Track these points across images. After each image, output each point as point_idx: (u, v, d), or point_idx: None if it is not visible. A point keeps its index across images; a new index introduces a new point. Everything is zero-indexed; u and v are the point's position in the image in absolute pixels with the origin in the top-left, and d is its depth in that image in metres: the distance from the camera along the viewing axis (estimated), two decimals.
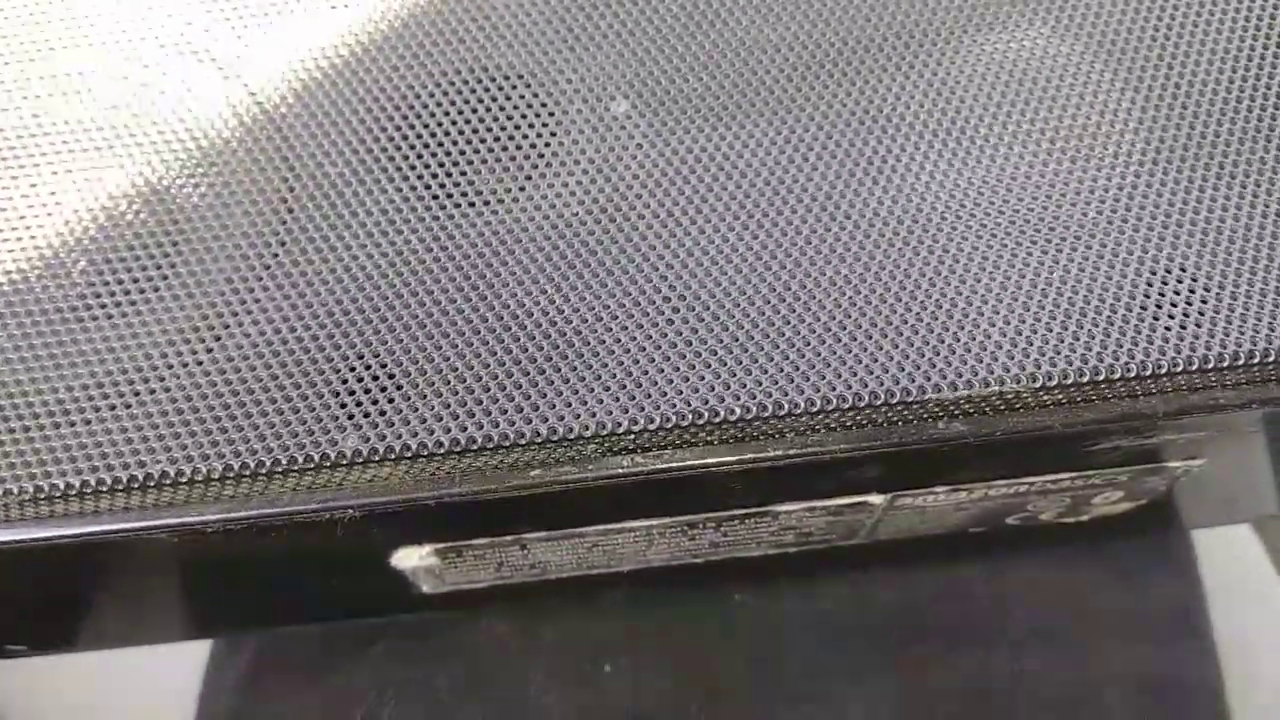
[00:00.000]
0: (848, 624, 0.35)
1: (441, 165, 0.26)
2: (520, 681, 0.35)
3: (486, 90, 0.27)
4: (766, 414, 0.23)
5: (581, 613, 0.36)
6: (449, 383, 0.24)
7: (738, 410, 0.23)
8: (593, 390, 0.24)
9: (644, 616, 0.36)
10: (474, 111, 0.27)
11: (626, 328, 0.24)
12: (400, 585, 0.30)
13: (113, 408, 0.24)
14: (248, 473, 0.23)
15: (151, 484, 0.23)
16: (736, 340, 0.24)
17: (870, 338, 0.24)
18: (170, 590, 0.30)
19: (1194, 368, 0.24)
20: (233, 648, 0.37)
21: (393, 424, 0.23)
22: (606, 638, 0.35)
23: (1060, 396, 0.24)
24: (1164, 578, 0.38)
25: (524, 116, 0.27)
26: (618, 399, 0.23)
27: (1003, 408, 0.24)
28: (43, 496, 0.23)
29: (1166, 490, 0.30)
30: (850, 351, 0.24)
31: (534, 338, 0.24)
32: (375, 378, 0.24)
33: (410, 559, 0.28)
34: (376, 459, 0.23)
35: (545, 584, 0.32)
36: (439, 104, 0.27)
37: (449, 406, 0.23)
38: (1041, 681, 0.35)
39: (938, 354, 0.24)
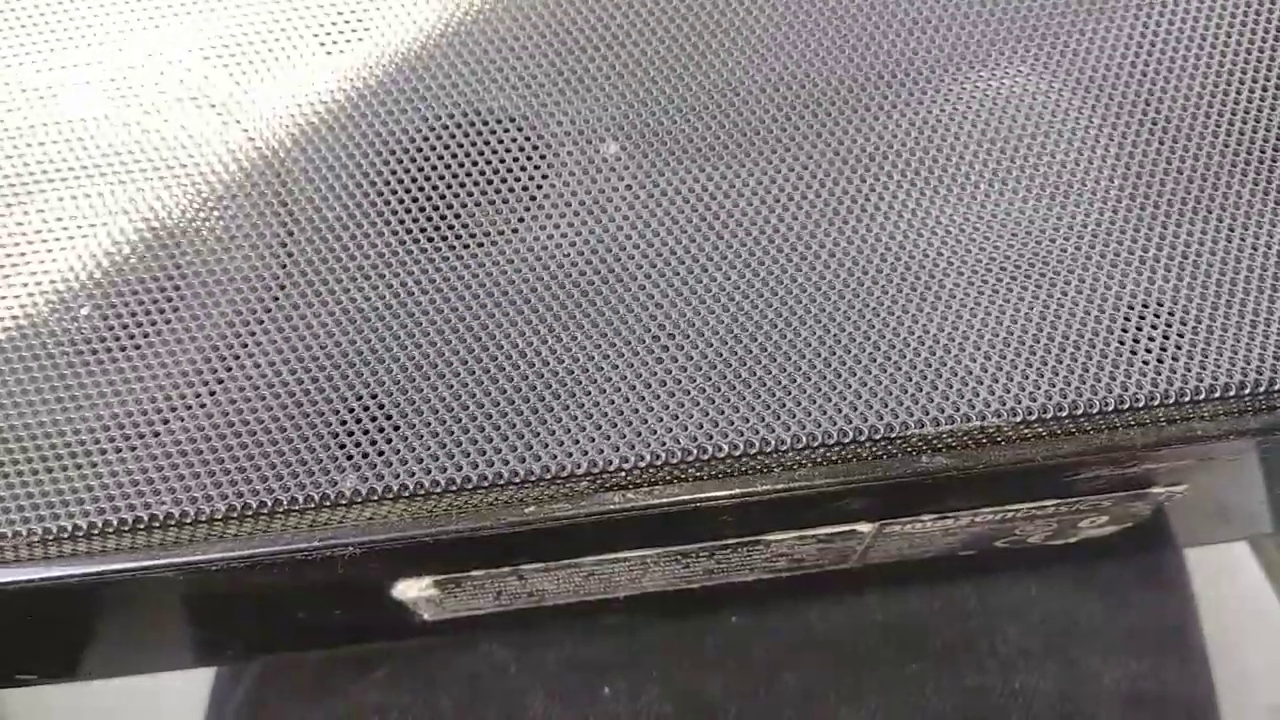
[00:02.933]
0: (842, 644, 0.36)
1: (436, 208, 0.27)
2: (520, 705, 0.36)
3: (479, 133, 0.28)
4: (754, 450, 0.24)
5: (580, 636, 0.36)
6: (445, 423, 0.24)
7: (725, 447, 0.24)
8: (585, 429, 0.24)
9: (642, 639, 0.36)
10: (466, 155, 0.27)
11: (617, 367, 0.25)
12: (402, 613, 0.30)
13: (118, 450, 0.24)
14: (250, 513, 0.24)
15: (157, 525, 0.24)
16: (725, 378, 0.25)
17: (854, 374, 0.24)
18: (175, 621, 0.31)
19: (1171, 401, 0.24)
20: (237, 673, 0.38)
21: (390, 464, 0.24)
22: (605, 661, 0.36)
23: (1041, 430, 0.24)
24: (1156, 595, 0.38)
25: (515, 159, 0.27)
26: (609, 437, 0.24)
27: (985, 442, 0.24)
28: (50, 538, 0.24)
29: (1152, 514, 0.31)
30: (835, 388, 0.24)
31: (527, 377, 0.25)
32: (374, 418, 0.25)
33: (411, 590, 0.28)
34: (375, 498, 0.24)
35: (544, 609, 0.33)
36: (433, 147, 0.27)
37: (445, 446, 0.24)
38: (1034, 700, 0.35)
39: (920, 390, 0.24)
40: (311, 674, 0.38)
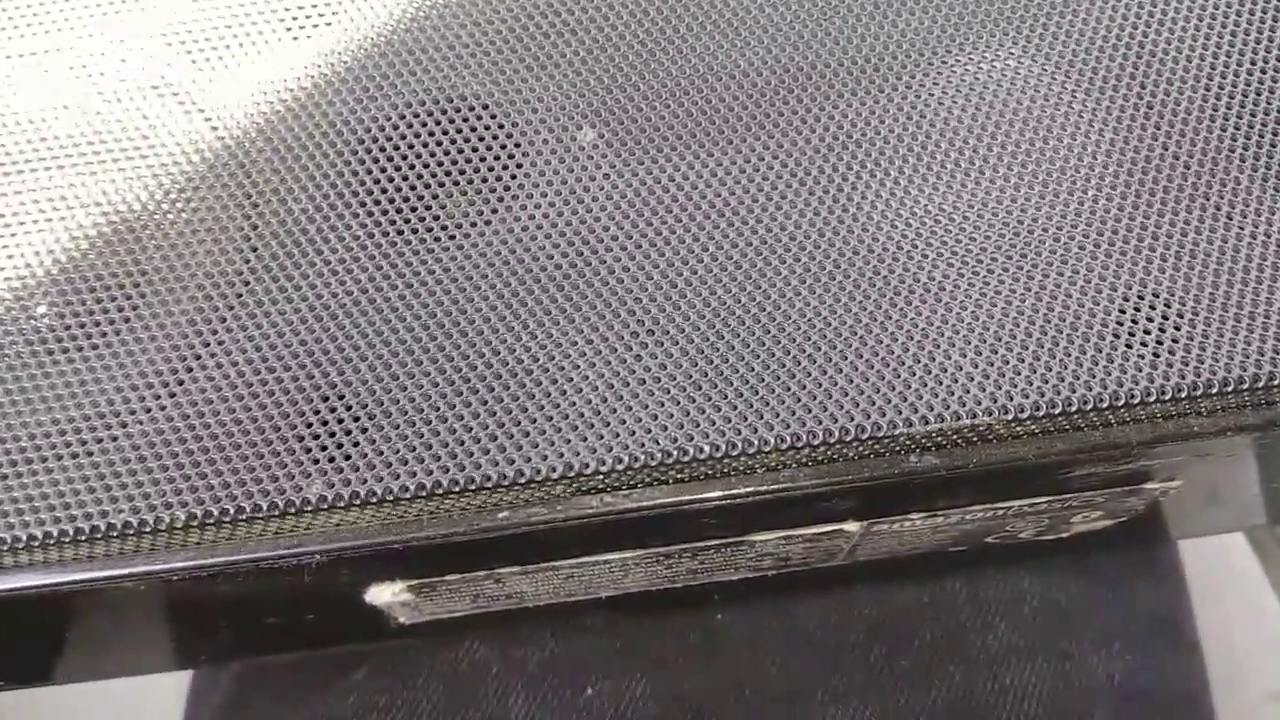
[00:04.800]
0: (830, 641, 0.35)
1: (406, 199, 0.26)
2: (502, 705, 0.35)
3: (451, 121, 0.27)
4: (736, 451, 0.23)
5: (563, 635, 0.36)
6: (413, 425, 0.23)
7: (706, 449, 0.23)
8: (560, 430, 0.23)
9: (625, 638, 0.35)
10: (438, 143, 0.26)
11: (594, 364, 0.24)
12: (378, 616, 0.29)
13: (75, 456, 0.23)
14: (212, 520, 0.23)
15: (115, 534, 0.23)
16: (705, 376, 0.24)
17: (840, 371, 0.24)
18: (144, 627, 0.30)
19: (1167, 396, 0.23)
20: (214, 676, 0.37)
21: (358, 468, 0.23)
22: (588, 660, 0.35)
23: (1032, 428, 0.23)
24: (1149, 587, 0.37)
25: (489, 147, 0.26)
26: (585, 439, 0.23)
27: (975, 440, 0.23)
28: (5, 547, 0.23)
29: (1146, 508, 0.30)
30: (820, 386, 0.23)
31: (500, 376, 0.24)
32: (340, 420, 0.24)
33: (384, 595, 0.27)
34: (342, 504, 0.23)
35: (525, 609, 0.32)
36: (403, 135, 0.26)
37: (414, 450, 0.23)
38: (1025, 696, 0.34)
39: (908, 387, 0.23)
40: (290, 676, 0.37)
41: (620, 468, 0.23)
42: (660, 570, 0.29)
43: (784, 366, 0.24)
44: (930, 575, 0.36)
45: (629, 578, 0.29)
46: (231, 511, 0.23)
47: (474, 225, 0.26)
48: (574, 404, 0.23)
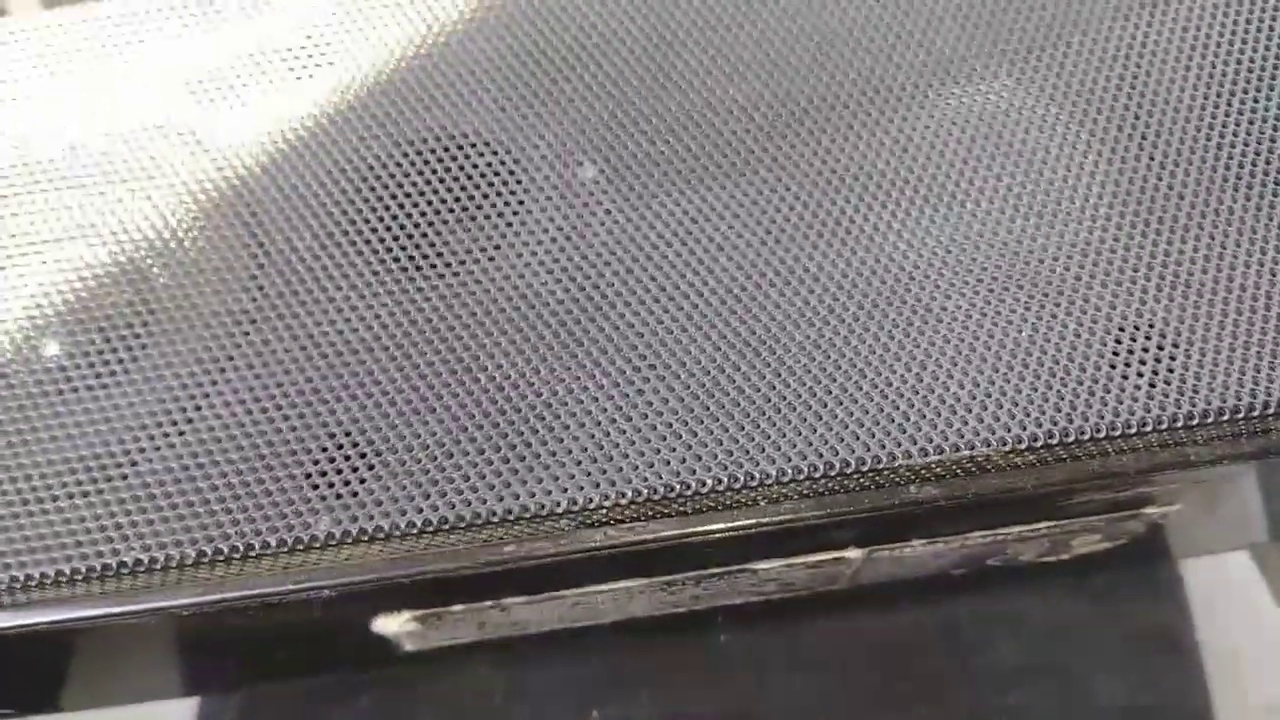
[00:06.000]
0: (834, 664, 0.35)
1: (410, 237, 0.26)
2: None
3: (454, 158, 0.27)
4: (738, 485, 0.23)
5: (568, 658, 0.36)
6: (419, 461, 0.24)
7: (709, 482, 0.23)
8: (564, 465, 0.24)
9: (631, 661, 0.36)
10: (440, 180, 0.27)
11: (597, 399, 0.24)
12: (384, 644, 0.30)
13: (85, 494, 0.24)
14: (221, 557, 0.23)
15: (126, 571, 0.23)
16: (707, 410, 0.24)
17: (840, 403, 0.24)
18: (153, 656, 0.30)
19: (1164, 426, 0.23)
20: (220, 703, 0.37)
21: (365, 505, 0.23)
22: (594, 683, 0.35)
23: (1031, 458, 0.24)
24: (1150, 605, 0.37)
25: (490, 183, 0.27)
26: (589, 473, 0.23)
27: (974, 470, 0.24)
28: (18, 586, 0.23)
29: (1146, 530, 0.30)
30: (820, 419, 0.24)
31: (504, 412, 0.24)
32: (347, 457, 0.24)
33: (391, 625, 0.28)
34: (350, 540, 0.23)
35: (530, 634, 0.32)
36: (405, 173, 0.27)
37: (420, 486, 0.23)
38: (1028, 716, 0.35)
39: (908, 419, 0.24)
40: (295, 702, 0.37)
41: (623, 501, 0.23)
42: (664, 596, 0.29)
43: (784, 399, 0.24)
44: (932, 596, 0.36)
45: (634, 604, 0.30)
46: (241, 548, 0.23)
47: (477, 262, 0.26)
48: (577, 438, 0.24)
